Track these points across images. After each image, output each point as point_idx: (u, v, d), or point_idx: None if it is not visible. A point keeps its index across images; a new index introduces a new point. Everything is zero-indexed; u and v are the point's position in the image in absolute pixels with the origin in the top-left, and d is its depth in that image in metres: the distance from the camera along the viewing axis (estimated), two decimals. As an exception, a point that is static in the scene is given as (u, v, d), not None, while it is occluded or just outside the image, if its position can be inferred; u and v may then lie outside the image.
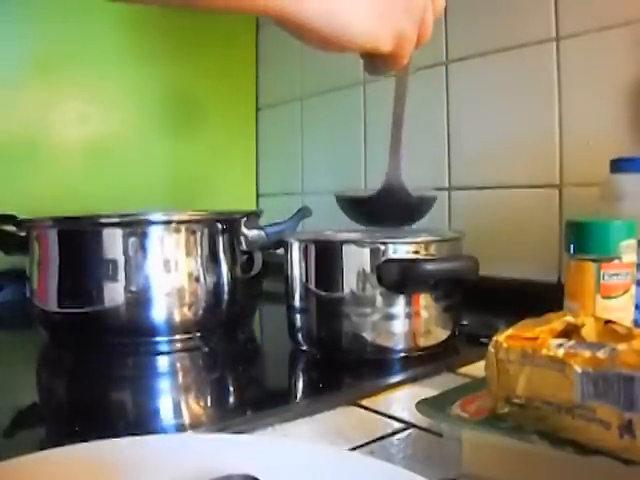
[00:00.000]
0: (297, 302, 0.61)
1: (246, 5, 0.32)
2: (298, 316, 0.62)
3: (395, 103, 0.57)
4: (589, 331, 0.34)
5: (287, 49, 1.18)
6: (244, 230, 0.67)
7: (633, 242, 0.49)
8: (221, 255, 0.66)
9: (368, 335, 0.57)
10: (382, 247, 0.56)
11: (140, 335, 0.63)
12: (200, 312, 0.64)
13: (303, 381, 0.60)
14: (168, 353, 0.64)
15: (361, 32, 0.35)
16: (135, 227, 0.62)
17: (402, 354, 0.58)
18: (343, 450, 0.37)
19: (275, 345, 0.72)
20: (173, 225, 0.63)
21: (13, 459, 0.29)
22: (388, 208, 0.59)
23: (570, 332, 0.34)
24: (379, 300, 0.57)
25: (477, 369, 0.50)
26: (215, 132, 1.18)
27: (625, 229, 0.49)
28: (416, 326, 0.58)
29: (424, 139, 0.92)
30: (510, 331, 0.35)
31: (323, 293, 0.59)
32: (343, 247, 0.58)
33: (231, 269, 0.66)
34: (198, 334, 0.64)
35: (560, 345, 0.32)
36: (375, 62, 0.41)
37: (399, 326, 0.57)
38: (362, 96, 1.02)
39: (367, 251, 0.57)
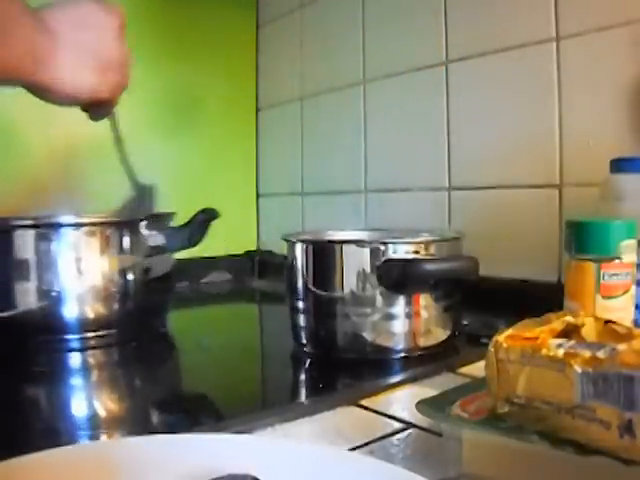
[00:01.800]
0: (297, 302, 0.61)
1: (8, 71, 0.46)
2: (298, 316, 0.62)
3: (117, 144, 0.73)
4: (589, 331, 0.34)
5: (287, 49, 1.18)
6: (145, 232, 0.70)
7: (633, 242, 0.48)
8: (126, 256, 0.68)
9: (368, 335, 0.57)
10: (382, 247, 0.56)
11: (53, 333, 0.66)
12: (108, 310, 0.67)
13: (303, 381, 0.60)
14: (80, 350, 0.66)
15: (87, 89, 0.53)
16: (45, 229, 0.65)
17: (402, 354, 0.58)
18: (343, 450, 0.38)
19: (275, 345, 0.72)
20: (81, 227, 0.66)
21: (13, 459, 0.29)
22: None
23: (570, 332, 0.34)
24: (379, 300, 0.57)
25: (477, 369, 0.50)
26: (215, 132, 1.18)
27: (625, 229, 0.48)
28: (416, 326, 0.58)
29: (424, 139, 0.92)
30: (510, 331, 0.35)
31: (323, 293, 0.59)
32: (343, 247, 0.58)
33: (137, 269, 0.69)
34: (108, 331, 0.67)
35: (560, 345, 0.32)
36: (96, 109, 0.62)
37: (399, 326, 0.57)
38: (362, 96, 1.02)
39: (367, 251, 0.57)
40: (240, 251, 1.22)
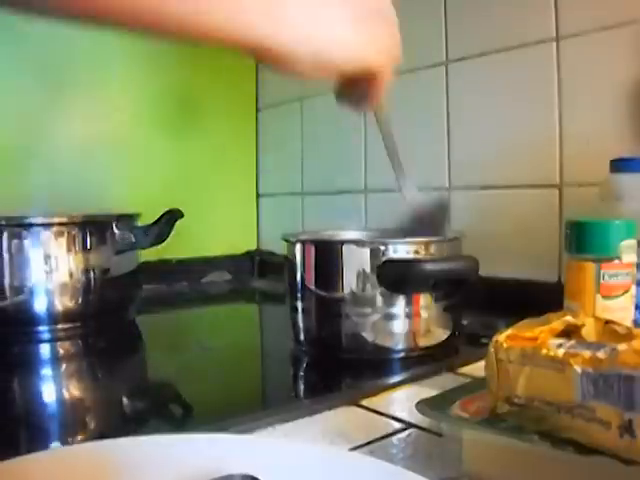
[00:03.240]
0: (297, 302, 0.61)
1: (222, 33, 0.31)
2: (298, 316, 0.62)
3: (385, 140, 0.57)
4: (589, 331, 0.34)
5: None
6: (115, 231, 0.74)
7: (633, 242, 0.48)
8: (94, 253, 0.73)
9: (368, 335, 0.57)
10: (382, 247, 0.56)
11: (24, 325, 0.70)
12: (77, 304, 0.72)
13: (303, 381, 0.60)
14: (49, 341, 0.71)
15: (345, 49, 0.34)
16: (17, 228, 0.69)
17: (402, 354, 0.58)
18: (343, 450, 0.38)
19: (275, 345, 0.72)
20: (52, 227, 0.70)
21: (13, 459, 0.29)
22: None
23: (570, 332, 0.34)
24: (379, 300, 0.57)
25: (477, 369, 0.50)
26: (215, 132, 1.18)
27: (625, 229, 0.48)
28: (416, 326, 0.58)
29: (424, 139, 0.92)
30: (510, 331, 0.34)
31: (323, 293, 0.59)
32: (343, 247, 0.58)
33: (104, 266, 0.74)
34: (75, 324, 0.72)
35: (560, 345, 0.32)
36: (353, 94, 0.39)
37: (399, 326, 0.57)
38: (362, 96, 1.02)
39: (367, 251, 0.57)
40: (240, 251, 1.22)
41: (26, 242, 0.69)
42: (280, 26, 0.31)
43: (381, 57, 0.36)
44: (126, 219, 0.77)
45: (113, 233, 0.74)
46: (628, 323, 0.48)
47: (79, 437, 0.44)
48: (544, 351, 0.32)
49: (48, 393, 0.56)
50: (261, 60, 0.33)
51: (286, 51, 0.31)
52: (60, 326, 0.71)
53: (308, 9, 0.31)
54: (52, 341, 0.71)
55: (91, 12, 0.27)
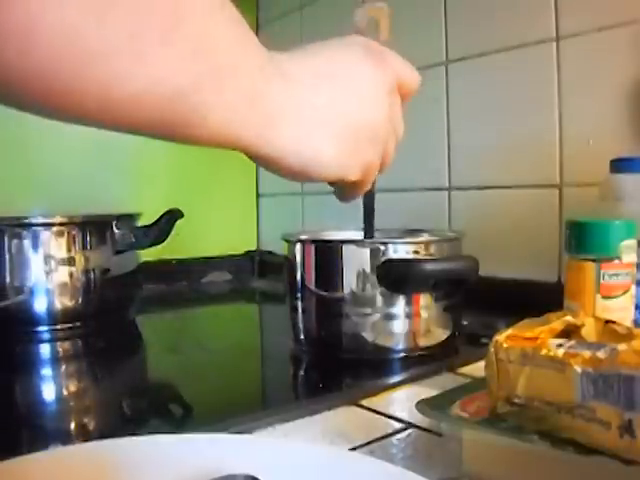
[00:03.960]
0: (297, 302, 0.61)
1: (220, 137, 0.32)
2: (298, 316, 0.62)
3: (365, 218, 0.58)
4: (589, 331, 0.34)
5: (287, 49, 1.18)
6: (115, 231, 0.75)
7: (633, 242, 0.48)
8: (94, 253, 0.73)
9: (368, 335, 0.57)
10: (382, 247, 0.56)
11: (24, 325, 0.71)
12: (76, 304, 0.72)
13: (303, 381, 0.60)
14: (49, 341, 0.71)
15: (330, 166, 0.36)
16: (18, 229, 0.69)
17: (402, 354, 0.58)
18: (343, 450, 0.38)
19: (275, 345, 0.72)
20: (52, 227, 0.70)
21: (13, 459, 0.29)
22: None
23: (570, 332, 0.34)
24: (379, 300, 0.57)
25: (477, 369, 0.50)
26: (215, 132, 1.18)
27: (625, 229, 0.48)
28: (416, 326, 0.58)
29: (424, 139, 0.92)
30: (510, 331, 0.35)
31: (323, 293, 0.59)
32: (343, 247, 0.58)
33: (104, 266, 0.74)
34: (75, 324, 0.73)
35: (560, 345, 0.32)
36: (343, 190, 0.42)
37: (399, 326, 0.57)
38: (362, 96, 1.02)
39: (367, 251, 0.57)
40: (240, 251, 1.22)
41: (26, 242, 0.69)
42: (272, 140, 0.33)
43: (363, 173, 0.39)
44: (126, 219, 0.77)
45: (113, 233, 0.75)
46: (628, 323, 0.48)
47: (79, 437, 0.44)
48: (544, 351, 0.32)
49: (48, 393, 0.56)
50: (251, 158, 0.35)
51: (275, 158, 0.34)
52: (60, 326, 0.71)
53: (301, 130, 0.33)
54: (52, 341, 0.71)
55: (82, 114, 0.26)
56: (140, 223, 0.79)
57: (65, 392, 0.56)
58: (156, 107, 0.25)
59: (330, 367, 0.58)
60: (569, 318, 0.35)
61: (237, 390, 0.55)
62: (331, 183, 0.40)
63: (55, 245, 0.70)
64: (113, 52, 0.22)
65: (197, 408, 0.50)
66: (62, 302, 0.71)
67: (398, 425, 0.43)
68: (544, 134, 0.77)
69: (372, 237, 0.58)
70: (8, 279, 0.69)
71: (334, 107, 0.35)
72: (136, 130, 0.27)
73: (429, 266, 0.55)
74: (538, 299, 0.52)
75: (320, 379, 0.56)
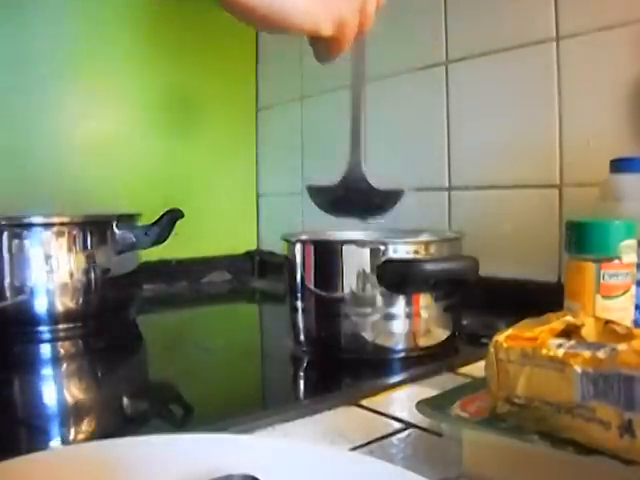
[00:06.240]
0: (297, 302, 0.61)
1: None
2: (298, 316, 0.62)
3: (353, 82, 0.57)
4: (589, 331, 0.34)
5: (287, 49, 1.18)
6: (116, 231, 0.75)
7: (633, 242, 0.48)
8: (95, 253, 0.73)
9: (368, 335, 0.57)
10: (382, 247, 0.56)
11: (25, 325, 0.70)
12: (77, 304, 0.72)
13: (303, 381, 0.60)
14: (50, 341, 0.71)
15: (301, 14, 0.37)
16: (18, 229, 0.69)
17: (402, 354, 0.58)
18: (343, 450, 0.38)
19: (275, 345, 0.72)
20: (52, 227, 0.70)
21: (13, 459, 0.29)
22: (351, 198, 0.59)
23: (570, 332, 0.34)
24: (379, 300, 0.57)
25: (477, 369, 0.50)
26: (215, 132, 1.18)
27: (625, 229, 0.48)
28: (416, 326, 0.58)
29: (424, 139, 0.92)
30: (510, 331, 0.34)
31: (323, 293, 0.59)
32: (343, 247, 0.58)
33: (105, 266, 0.74)
34: (76, 324, 0.73)
35: (560, 345, 0.32)
36: (319, 48, 0.43)
37: (399, 326, 0.57)
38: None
39: (367, 251, 0.57)
40: (240, 251, 1.22)
41: (26, 242, 0.69)
42: None
43: (336, 29, 0.40)
44: (126, 219, 0.77)
45: (114, 233, 0.75)
46: (628, 323, 0.48)
47: (79, 437, 0.44)
48: (544, 351, 0.32)
49: (48, 393, 0.56)
50: (227, 8, 0.38)
51: (249, 6, 0.37)
52: (61, 326, 0.71)
53: None
54: (52, 341, 0.71)
55: None
56: (140, 223, 0.79)
57: (65, 392, 0.56)
58: None
59: (330, 367, 0.58)
60: (569, 318, 0.35)
61: (237, 390, 0.55)
62: (310, 43, 0.42)
63: (55, 245, 0.70)
64: None
65: (197, 408, 0.50)
66: (62, 302, 0.71)
67: (398, 425, 0.43)
68: (544, 134, 0.77)
69: (358, 159, 0.58)
70: (8, 279, 0.68)
71: None
72: None
73: (429, 266, 0.55)
74: (538, 299, 0.52)
75: (320, 379, 0.56)
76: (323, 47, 0.42)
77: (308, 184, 0.61)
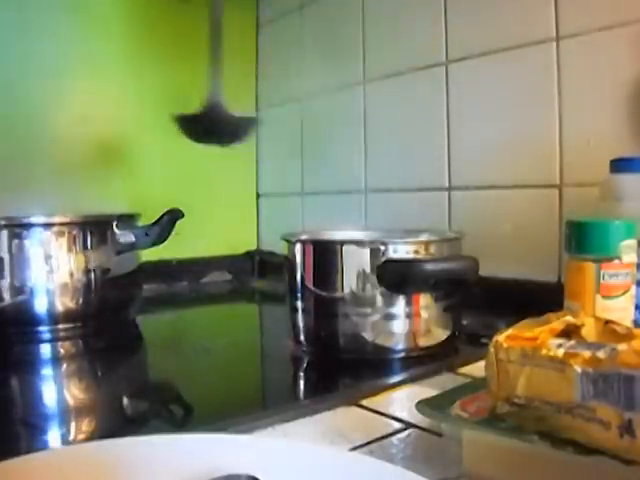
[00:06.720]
0: (297, 302, 0.61)
1: None
2: (298, 316, 0.62)
3: (211, 12, 0.59)
4: (589, 331, 0.34)
5: (287, 49, 1.18)
6: (116, 231, 0.75)
7: (633, 242, 0.48)
8: (95, 253, 0.73)
9: (368, 335, 0.57)
10: (382, 247, 0.56)
11: (25, 325, 0.70)
12: (77, 304, 0.72)
13: (303, 381, 0.60)
14: (50, 341, 0.71)
15: None
16: (18, 229, 0.69)
17: (402, 354, 0.58)
18: (343, 450, 0.38)
19: (275, 345, 0.72)
20: (52, 227, 0.70)
21: (13, 459, 0.29)
22: (212, 125, 0.63)
23: (570, 332, 0.34)
24: (379, 300, 0.57)
25: (477, 369, 0.50)
26: (215, 132, 1.18)
27: (625, 229, 0.48)
28: (416, 326, 0.58)
29: (424, 139, 0.92)
30: (510, 331, 0.35)
31: (323, 293, 0.59)
32: (343, 247, 0.58)
33: (105, 266, 0.74)
34: (76, 324, 0.72)
35: (560, 345, 0.32)
36: None
37: (399, 326, 0.57)
38: (362, 96, 1.02)
39: (367, 251, 0.57)
40: (240, 251, 1.22)
41: (26, 242, 0.69)
42: None
43: None
44: (126, 219, 0.77)
45: (114, 233, 0.74)
46: (628, 323, 0.48)
47: (79, 437, 0.44)
48: (544, 351, 0.32)
49: (48, 393, 0.56)
50: None
51: None
52: (61, 326, 0.71)
53: None
54: (52, 341, 0.70)
55: None
56: (140, 223, 0.79)
57: (65, 392, 0.56)
58: None
59: (330, 367, 0.58)
60: (569, 318, 0.35)
61: (237, 390, 0.55)
62: None
63: (55, 245, 0.70)
64: None
65: (197, 408, 0.50)
66: (62, 302, 0.71)
67: (398, 425, 0.43)
68: (544, 134, 0.77)
69: (217, 88, 0.61)
70: (8, 279, 0.68)
71: None
72: None
73: (429, 266, 0.55)
74: (538, 299, 0.52)
75: (320, 379, 0.56)
76: None
77: (177, 114, 0.63)
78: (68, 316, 0.71)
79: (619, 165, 0.59)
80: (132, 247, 0.76)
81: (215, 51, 0.59)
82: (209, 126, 0.62)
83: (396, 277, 0.56)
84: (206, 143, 0.62)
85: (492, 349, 0.34)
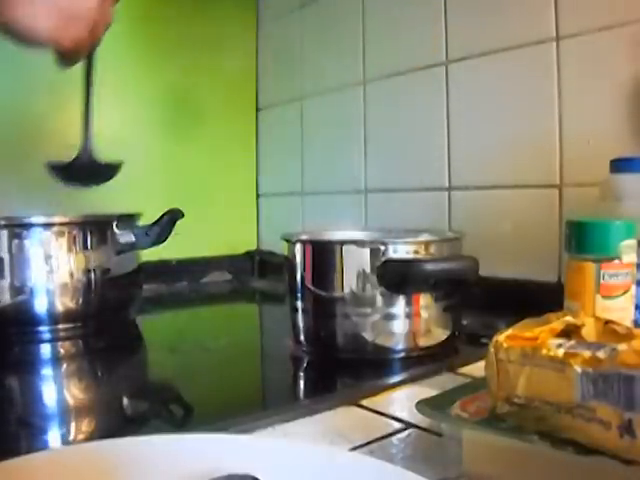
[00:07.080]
0: (297, 302, 0.61)
1: None
2: (298, 316, 0.62)
3: (84, 77, 0.66)
4: (589, 331, 0.34)
5: (287, 49, 1.18)
6: (116, 231, 0.75)
7: (633, 242, 0.48)
8: (95, 254, 0.73)
9: (368, 335, 0.57)
10: (382, 247, 0.56)
11: (25, 325, 0.70)
12: (77, 304, 0.72)
13: (303, 381, 0.60)
14: (50, 341, 0.71)
15: (43, 35, 0.51)
16: (18, 229, 0.69)
17: (402, 354, 0.58)
18: (343, 450, 0.38)
19: (275, 345, 0.72)
20: (52, 227, 0.71)
21: (13, 459, 0.29)
22: (81, 171, 0.70)
23: (570, 332, 0.34)
24: (379, 300, 0.57)
25: (477, 369, 0.50)
26: (215, 132, 1.18)
27: (625, 229, 0.48)
28: (416, 326, 0.58)
29: (424, 139, 0.92)
30: (510, 331, 0.35)
31: (323, 293, 0.59)
32: (343, 247, 0.58)
33: (105, 266, 0.74)
34: (76, 324, 0.72)
35: (560, 345, 0.32)
36: (60, 57, 0.55)
37: (399, 326, 0.57)
38: (362, 96, 1.02)
39: (367, 251, 0.57)
40: (240, 251, 1.22)
41: (26, 242, 0.69)
42: (8, 14, 0.48)
43: (74, 45, 0.53)
44: (126, 219, 0.77)
45: (114, 233, 0.74)
46: (628, 323, 0.48)
47: (79, 437, 0.44)
48: (544, 351, 0.32)
49: (48, 393, 0.56)
50: None
51: (9, 25, 0.49)
52: (61, 326, 0.71)
53: (27, 9, 0.49)
54: (52, 341, 0.70)
55: None
56: (140, 223, 0.79)
57: (65, 392, 0.56)
58: None
59: (330, 367, 0.58)
60: (569, 318, 0.35)
61: (237, 390, 0.55)
62: (54, 52, 0.54)
63: (55, 245, 0.70)
64: None
65: (197, 408, 0.50)
66: (62, 302, 0.71)
67: (398, 425, 0.43)
68: (544, 134, 0.77)
69: (88, 139, 0.69)
70: (8, 279, 0.68)
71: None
72: None
73: (429, 266, 0.55)
74: (538, 299, 0.52)
75: (320, 379, 0.56)
76: (64, 57, 0.55)
77: (48, 162, 0.69)
78: (68, 316, 0.71)
79: (619, 165, 0.59)
80: (132, 247, 0.76)
81: (87, 101, 0.68)
82: (79, 172, 0.70)
83: (396, 277, 0.56)
84: (75, 186, 0.71)
85: (492, 349, 0.34)
